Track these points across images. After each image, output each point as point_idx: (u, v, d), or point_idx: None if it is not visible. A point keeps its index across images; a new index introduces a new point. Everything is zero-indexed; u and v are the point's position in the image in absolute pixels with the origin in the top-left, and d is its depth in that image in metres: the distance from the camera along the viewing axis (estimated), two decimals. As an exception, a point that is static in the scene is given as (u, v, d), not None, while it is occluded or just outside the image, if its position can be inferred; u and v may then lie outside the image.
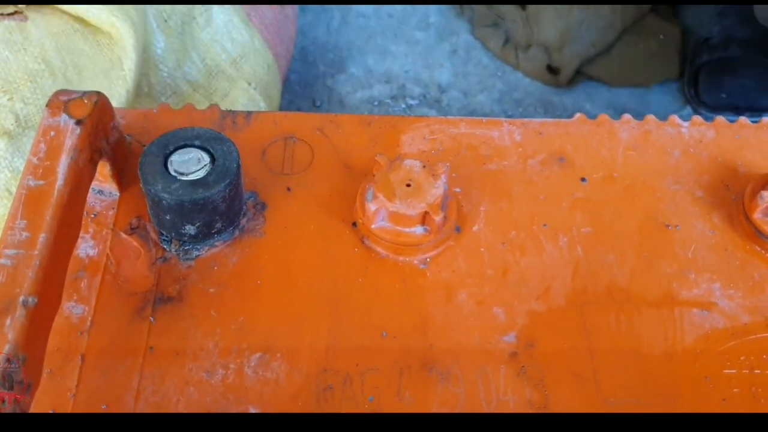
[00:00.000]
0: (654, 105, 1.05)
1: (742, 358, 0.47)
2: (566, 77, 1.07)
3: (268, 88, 0.85)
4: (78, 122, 0.46)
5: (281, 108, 0.96)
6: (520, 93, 1.07)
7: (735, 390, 0.45)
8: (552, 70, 1.09)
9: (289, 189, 0.53)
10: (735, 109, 1.00)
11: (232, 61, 0.81)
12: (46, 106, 0.47)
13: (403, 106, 1.04)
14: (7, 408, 0.37)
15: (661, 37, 1.09)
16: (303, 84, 1.06)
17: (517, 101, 1.06)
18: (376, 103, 1.04)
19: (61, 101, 0.47)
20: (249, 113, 0.57)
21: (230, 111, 0.57)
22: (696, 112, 1.03)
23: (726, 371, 0.46)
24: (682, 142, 0.57)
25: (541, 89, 1.08)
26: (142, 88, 0.76)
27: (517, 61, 1.11)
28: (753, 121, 0.59)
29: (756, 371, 0.46)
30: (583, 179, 0.55)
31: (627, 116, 0.59)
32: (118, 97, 0.71)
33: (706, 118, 0.59)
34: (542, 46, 1.08)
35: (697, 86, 1.05)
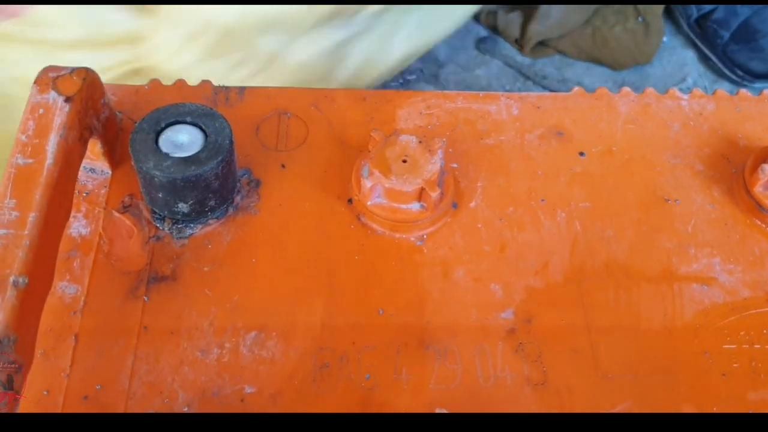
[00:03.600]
0: (653, 78, 1.03)
1: (741, 333, 0.46)
2: (528, 49, 1.05)
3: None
4: (67, 99, 0.45)
5: (277, 84, 0.94)
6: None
7: (735, 365, 0.45)
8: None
9: (283, 166, 0.52)
10: None
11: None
12: (34, 82, 0.46)
13: (401, 81, 1.03)
14: (2, 408, 0.37)
15: (640, 19, 1.06)
16: (299, 60, 1.04)
17: (515, 75, 1.05)
18: (372, 78, 1.03)
19: (49, 78, 0.46)
20: (242, 88, 0.56)
21: (223, 86, 0.56)
22: (739, 84, 1.01)
23: (726, 346, 0.46)
24: (681, 115, 0.57)
25: (540, 63, 1.06)
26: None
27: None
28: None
29: (756, 346, 0.46)
30: (581, 154, 0.54)
31: (626, 89, 0.58)
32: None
33: (753, 90, 0.58)
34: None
35: (732, 59, 1.03)
